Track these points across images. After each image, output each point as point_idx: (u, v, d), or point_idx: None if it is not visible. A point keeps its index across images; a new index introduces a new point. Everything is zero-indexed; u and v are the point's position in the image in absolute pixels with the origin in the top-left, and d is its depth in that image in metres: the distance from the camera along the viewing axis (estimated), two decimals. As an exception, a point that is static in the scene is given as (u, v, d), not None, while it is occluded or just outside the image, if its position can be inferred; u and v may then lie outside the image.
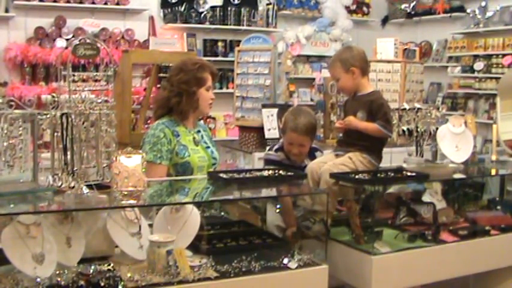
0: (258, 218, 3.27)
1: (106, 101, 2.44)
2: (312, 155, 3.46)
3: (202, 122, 3.51)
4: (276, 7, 8.22)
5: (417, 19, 9.01)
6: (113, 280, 2.18)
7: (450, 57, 8.47)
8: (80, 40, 2.51)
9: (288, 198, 3.15)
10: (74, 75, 2.44)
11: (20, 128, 2.28)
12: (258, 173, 2.97)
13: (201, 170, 3.15)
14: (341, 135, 3.32)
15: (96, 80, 2.57)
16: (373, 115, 3.10)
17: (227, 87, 7.89)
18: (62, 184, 2.31)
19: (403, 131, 3.50)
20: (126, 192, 2.37)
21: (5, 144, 2.24)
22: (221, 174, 2.93)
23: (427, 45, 8.92)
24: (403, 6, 9.20)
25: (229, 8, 7.97)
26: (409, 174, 3.13)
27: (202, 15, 7.84)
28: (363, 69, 3.15)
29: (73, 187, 2.29)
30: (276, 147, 3.51)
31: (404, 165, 3.41)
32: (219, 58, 7.91)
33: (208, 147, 3.30)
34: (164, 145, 3.09)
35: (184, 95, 3.16)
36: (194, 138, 3.23)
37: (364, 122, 3.11)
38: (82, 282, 2.15)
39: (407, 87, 6.00)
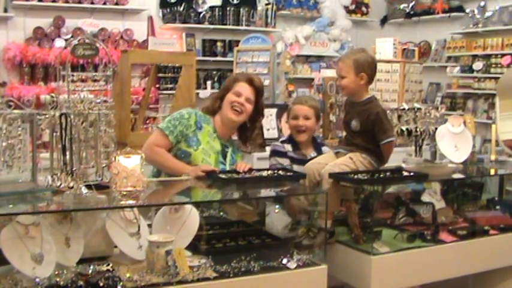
0: (257, 218, 3.27)
1: (105, 101, 2.44)
2: (318, 149, 3.49)
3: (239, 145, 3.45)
4: (275, 7, 8.21)
5: (416, 19, 9.01)
6: (112, 280, 2.18)
7: (449, 57, 8.47)
8: (78, 40, 2.51)
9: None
10: (72, 75, 2.44)
11: (19, 128, 2.28)
12: (257, 173, 2.97)
13: None
14: (341, 134, 3.32)
15: (95, 80, 2.57)
16: (371, 126, 3.09)
17: (226, 87, 7.88)
18: (61, 184, 2.31)
19: (402, 130, 3.50)
20: (125, 193, 2.37)
21: (4, 144, 2.23)
22: (220, 175, 2.93)
23: (426, 45, 8.92)
24: (402, 6, 9.20)
25: (228, 8, 7.96)
26: (408, 174, 3.13)
27: (201, 15, 7.84)
28: (370, 78, 3.14)
29: (72, 187, 2.29)
30: (283, 138, 3.57)
31: (404, 165, 3.41)
32: (218, 58, 7.91)
33: (224, 163, 3.24)
34: (181, 125, 3.13)
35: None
36: (216, 145, 3.22)
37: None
38: (81, 283, 2.15)
39: (406, 87, 6.01)
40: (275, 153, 3.48)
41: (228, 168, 3.22)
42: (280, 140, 3.61)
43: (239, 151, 3.38)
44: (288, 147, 3.46)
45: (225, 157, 3.25)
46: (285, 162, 3.41)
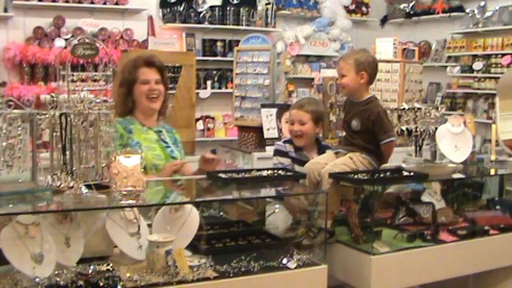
0: (257, 218, 3.27)
1: (105, 101, 2.43)
2: (322, 152, 3.50)
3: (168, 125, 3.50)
4: (275, 7, 8.21)
5: (416, 19, 9.01)
6: (112, 280, 2.18)
7: (449, 57, 8.47)
8: (78, 40, 2.50)
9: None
10: (72, 75, 2.43)
11: (19, 128, 2.27)
12: (257, 173, 2.97)
13: (155, 167, 3.14)
14: (341, 134, 3.33)
15: (95, 80, 2.56)
16: (371, 126, 3.09)
17: (226, 87, 7.90)
18: (60, 184, 2.30)
19: (402, 130, 3.49)
20: (125, 192, 2.37)
21: (4, 144, 2.23)
22: (220, 174, 2.93)
23: (426, 45, 8.93)
24: (402, 6, 9.21)
25: (228, 8, 7.96)
26: (408, 174, 3.13)
27: (201, 15, 7.84)
28: (371, 77, 3.15)
29: (72, 187, 2.28)
30: (285, 139, 3.64)
31: (404, 165, 3.41)
32: (218, 58, 7.91)
33: (169, 146, 3.28)
34: (116, 140, 3.10)
35: None
36: (152, 136, 3.24)
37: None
38: (81, 282, 2.15)
39: (406, 87, 6.02)
40: (277, 152, 3.55)
41: (173, 147, 3.27)
42: (283, 140, 3.65)
43: (172, 128, 3.45)
44: (290, 148, 3.50)
45: (165, 141, 3.28)
46: (286, 161, 3.46)
